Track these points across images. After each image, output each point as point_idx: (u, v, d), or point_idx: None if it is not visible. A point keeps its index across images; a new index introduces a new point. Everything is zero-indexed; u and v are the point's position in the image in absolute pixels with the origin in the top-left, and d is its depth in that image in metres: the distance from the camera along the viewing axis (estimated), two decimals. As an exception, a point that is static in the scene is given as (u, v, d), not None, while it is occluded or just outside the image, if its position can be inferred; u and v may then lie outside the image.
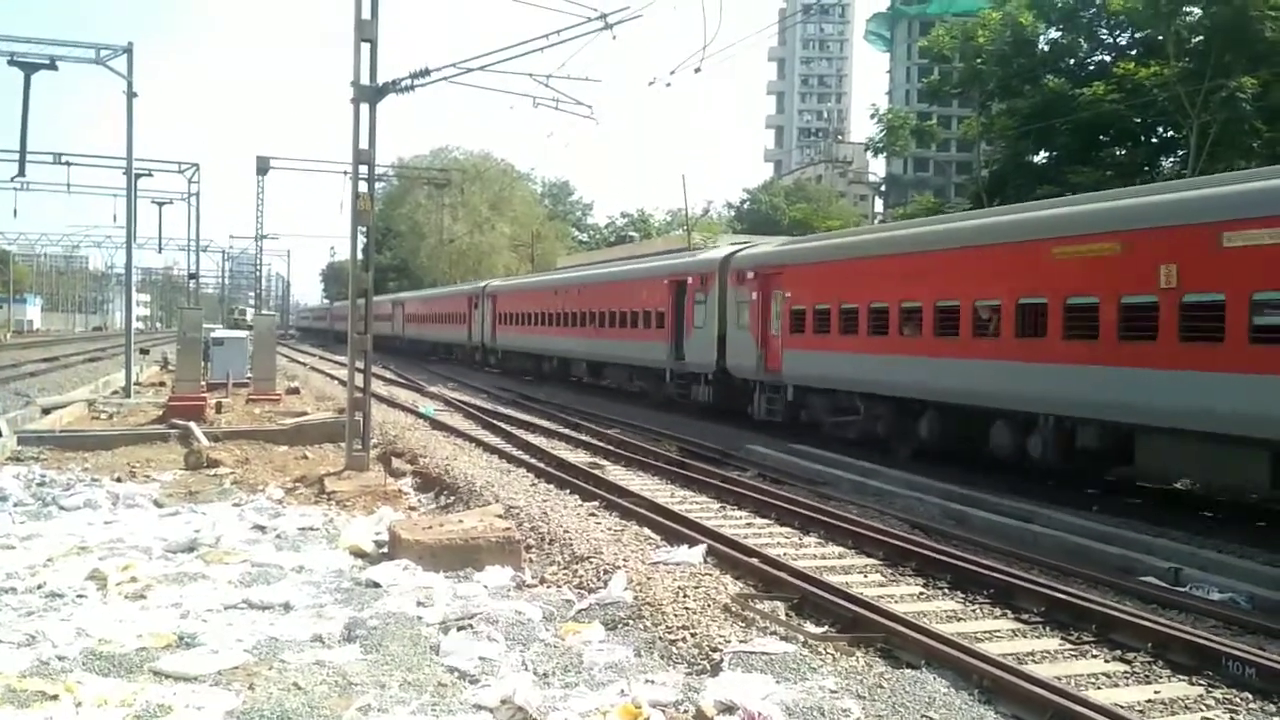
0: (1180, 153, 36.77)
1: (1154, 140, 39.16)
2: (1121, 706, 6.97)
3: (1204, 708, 7.34)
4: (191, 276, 45.02)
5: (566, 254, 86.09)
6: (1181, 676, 7.94)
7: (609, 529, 12.52)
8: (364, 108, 16.84)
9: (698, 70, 20.09)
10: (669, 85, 22.26)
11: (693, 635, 8.42)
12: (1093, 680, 7.84)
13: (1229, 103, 31.86)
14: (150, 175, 37.82)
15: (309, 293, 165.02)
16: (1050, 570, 11.04)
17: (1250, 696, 7.45)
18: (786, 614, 9.21)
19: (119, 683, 7.24)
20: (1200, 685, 7.74)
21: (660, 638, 8.50)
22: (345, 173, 29.18)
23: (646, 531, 12.40)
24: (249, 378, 29.32)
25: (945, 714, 6.85)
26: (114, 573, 10.01)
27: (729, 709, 6.77)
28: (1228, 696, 7.49)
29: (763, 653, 7.91)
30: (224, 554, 11.13)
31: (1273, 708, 7.26)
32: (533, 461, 18.05)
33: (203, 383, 26.75)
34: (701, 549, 11.15)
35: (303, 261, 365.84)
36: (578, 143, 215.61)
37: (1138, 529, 12.74)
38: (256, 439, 20.08)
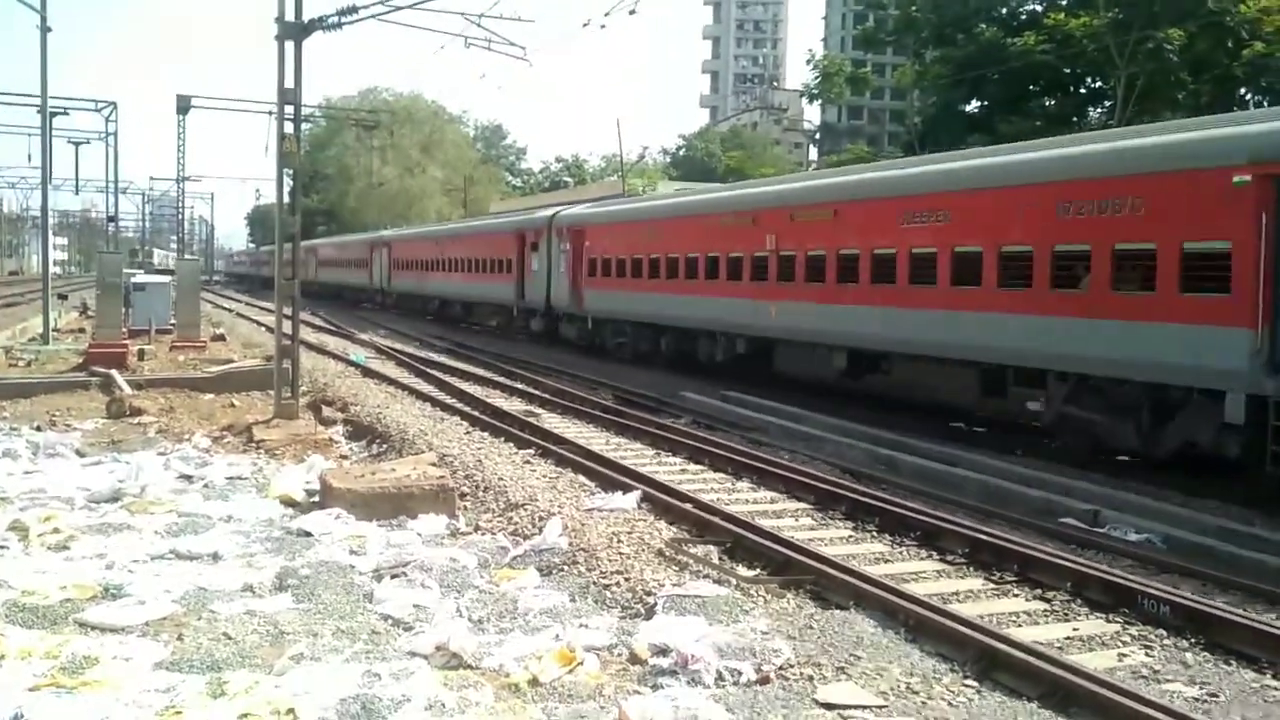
0: (1107, 103, 37.38)
1: (1082, 91, 39.75)
2: (1041, 643, 7.20)
3: (1120, 644, 7.60)
4: (110, 219, 43.70)
5: (500, 199, 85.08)
6: (1099, 614, 8.20)
7: (544, 476, 12.54)
8: (289, 45, 16.35)
9: (633, 12, 19.85)
10: (603, 27, 21.97)
11: (627, 580, 8.50)
12: (1014, 618, 8.07)
13: (1156, 54, 32.40)
14: (66, 114, 36.40)
15: (235, 237, 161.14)
16: (975, 513, 11.31)
17: (1164, 633, 7.73)
18: (719, 558, 9.34)
19: (43, 634, 7.10)
20: (1117, 622, 8.01)
21: (595, 583, 8.57)
22: (270, 113, 28.43)
23: (581, 479, 12.44)
24: (172, 324, 28.65)
25: (873, 653, 7.02)
26: (35, 523, 9.79)
27: (662, 651, 6.86)
28: (1143, 633, 7.77)
29: (696, 596, 8.01)
30: (149, 504, 10.94)
31: (1185, 643, 7.54)
32: (467, 410, 17.95)
33: (124, 329, 26.07)
34: (636, 495, 11.22)
35: (227, 205, 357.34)
36: (511, 85, 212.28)
37: (1059, 472, 13.10)
38: (181, 387, 19.65)
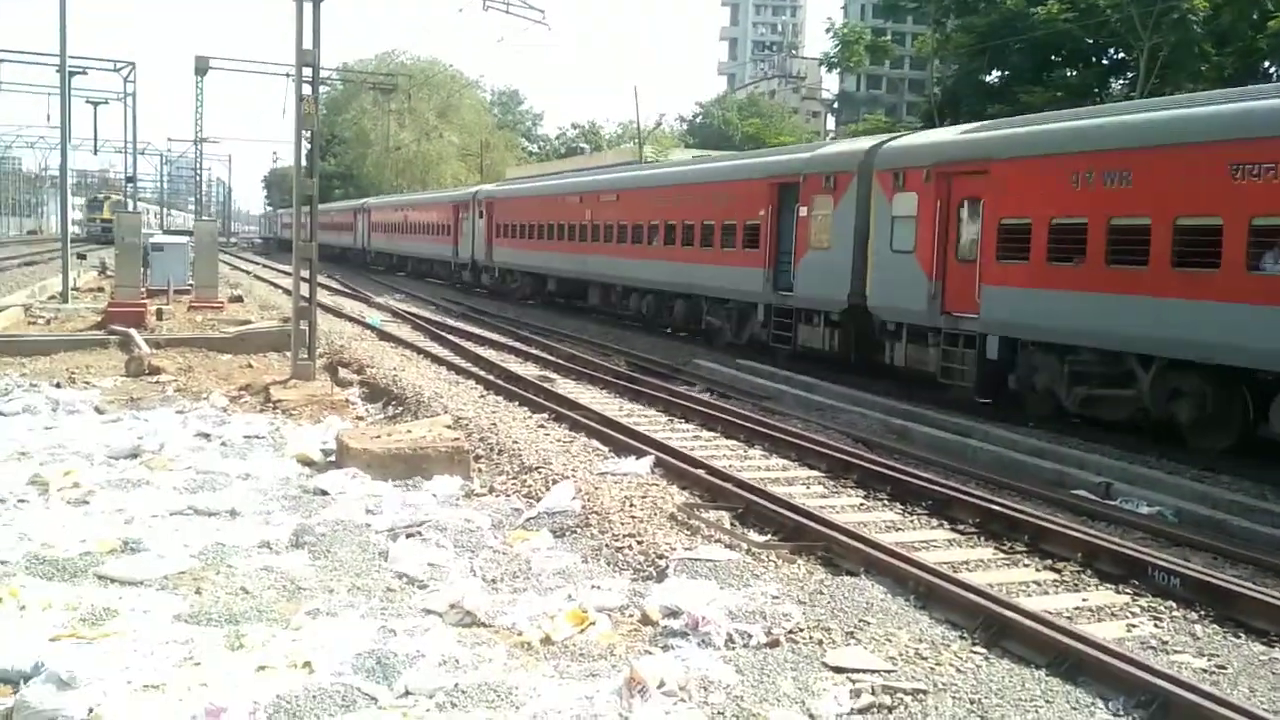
0: (1130, 75, 36.97)
1: (1105, 62, 39.30)
2: (1051, 613, 7.23)
3: (1129, 615, 7.63)
4: (129, 180, 43.75)
5: (516, 164, 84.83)
6: (1109, 585, 8.22)
7: (558, 440, 12.60)
8: (307, 6, 16.30)
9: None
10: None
11: (639, 543, 8.56)
12: (1023, 588, 8.10)
13: (1180, 24, 31.98)
14: (85, 74, 36.51)
15: (252, 199, 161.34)
16: (986, 483, 11.34)
17: (1174, 605, 7.75)
18: (731, 523, 9.39)
19: (64, 587, 7.21)
20: (1126, 594, 8.03)
21: (607, 545, 8.63)
22: (288, 75, 28.47)
23: (595, 443, 12.50)
24: (190, 285, 28.78)
25: (882, 619, 7.07)
26: (56, 478, 9.92)
27: (674, 613, 6.92)
28: (1153, 605, 7.79)
29: (707, 560, 8.07)
30: (168, 461, 11.05)
31: (1195, 616, 7.57)
32: (482, 374, 18.02)
33: (142, 289, 26.22)
34: (649, 460, 11.27)
35: (245, 167, 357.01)
36: (528, 50, 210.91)
37: (1071, 444, 13.08)
38: (199, 347, 19.80)
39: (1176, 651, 6.94)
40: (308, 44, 16.36)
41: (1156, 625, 7.42)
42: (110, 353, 18.96)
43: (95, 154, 58.91)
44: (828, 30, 49.08)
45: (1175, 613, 7.63)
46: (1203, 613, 7.60)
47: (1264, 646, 7.05)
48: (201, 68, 41.39)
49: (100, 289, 31.58)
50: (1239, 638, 7.20)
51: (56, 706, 5.34)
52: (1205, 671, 6.60)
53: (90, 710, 5.31)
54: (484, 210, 38.07)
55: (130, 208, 38.89)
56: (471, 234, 39.05)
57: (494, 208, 37.42)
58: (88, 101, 42.92)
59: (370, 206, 58.05)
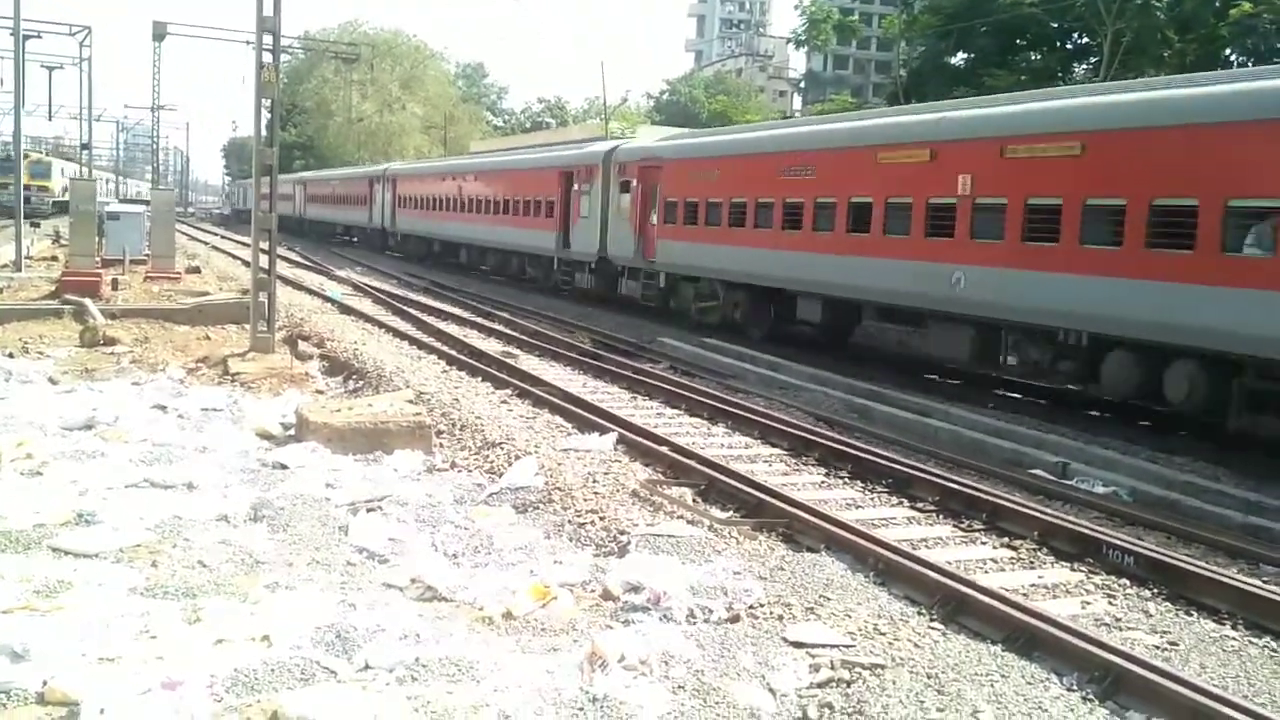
0: (1094, 60, 37.28)
1: (1069, 46, 39.62)
2: (1007, 590, 7.32)
3: (1084, 592, 7.75)
4: (84, 147, 42.99)
5: (480, 138, 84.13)
6: (1064, 563, 8.34)
7: (521, 416, 12.56)
8: (270, -28, 16.04)
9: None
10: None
11: (601, 519, 8.57)
12: (981, 565, 8.20)
13: (1144, 11, 32.28)
14: (39, 37, 35.79)
15: (210, 169, 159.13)
16: (945, 462, 11.44)
17: (1128, 583, 7.88)
18: (693, 499, 9.42)
19: (17, 559, 7.10)
20: (1081, 571, 8.15)
21: (570, 521, 8.63)
22: (248, 42, 27.99)
23: (558, 420, 12.47)
24: (146, 254, 28.30)
25: (842, 594, 7.12)
26: (8, 449, 9.74)
27: (635, 588, 6.93)
28: (1106, 582, 7.92)
29: (669, 536, 8.09)
30: (123, 432, 10.88)
31: (1148, 593, 7.70)
32: (444, 349, 17.90)
33: (97, 258, 25.76)
34: (612, 437, 11.27)
35: (203, 137, 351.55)
36: (494, 24, 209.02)
37: (1030, 425, 13.24)
38: (155, 318, 19.45)
39: (1130, 628, 7.05)
40: (269, 10, 16.09)
41: (1110, 602, 7.54)
42: (64, 323, 18.62)
43: (50, 120, 57.58)
44: (796, 8, 49.07)
45: (1129, 590, 7.76)
46: (1156, 590, 7.74)
47: (1214, 624, 7.19)
48: (159, 33, 40.62)
49: (54, 258, 30.97)
50: (1190, 615, 7.34)
51: (9, 679, 5.26)
52: (1157, 648, 6.72)
53: (44, 683, 5.23)
54: (634, 179, 24.28)
55: (86, 175, 38.17)
56: (599, 216, 25.78)
57: (662, 175, 23.26)
58: (43, 66, 42.12)
59: (396, 174, 44.96)
